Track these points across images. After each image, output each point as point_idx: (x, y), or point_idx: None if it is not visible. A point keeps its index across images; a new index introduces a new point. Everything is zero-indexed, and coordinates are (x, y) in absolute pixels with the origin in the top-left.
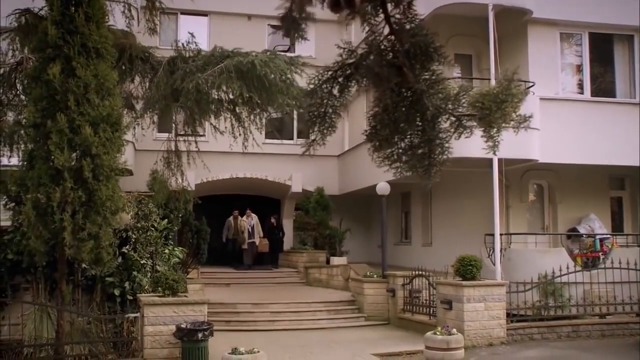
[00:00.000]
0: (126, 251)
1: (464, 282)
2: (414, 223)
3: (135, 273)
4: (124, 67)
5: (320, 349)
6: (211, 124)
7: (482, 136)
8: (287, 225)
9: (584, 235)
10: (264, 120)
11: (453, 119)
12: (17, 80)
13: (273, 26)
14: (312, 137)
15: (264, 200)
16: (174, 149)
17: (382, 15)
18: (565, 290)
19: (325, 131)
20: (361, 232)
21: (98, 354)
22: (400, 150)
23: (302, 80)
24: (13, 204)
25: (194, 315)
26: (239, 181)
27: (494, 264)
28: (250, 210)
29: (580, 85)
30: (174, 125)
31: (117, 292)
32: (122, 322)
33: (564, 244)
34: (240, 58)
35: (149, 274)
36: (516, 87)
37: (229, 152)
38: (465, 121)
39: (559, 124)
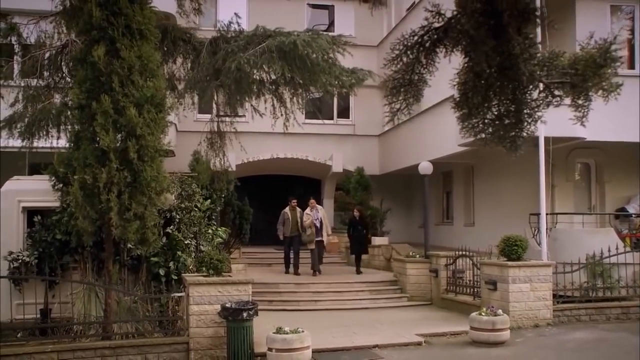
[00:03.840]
0: (170, 231)
1: (509, 263)
2: (456, 203)
3: (179, 253)
4: (166, 49)
5: (363, 328)
6: (252, 105)
7: (569, 105)
8: (328, 205)
9: (633, 215)
10: (304, 100)
11: (542, 86)
12: (62, 63)
13: (312, 5)
14: (397, 106)
15: (305, 181)
16: (216, 130)
17: None
18: (614, 271)
19: (410, 100)
20: (402, 212)
21: (144, 332)
22: (487, 120)
23: (344, 60)
24: (61, 184)
25: (238, 295)
26: (280, 161)
27: (539, 244)
28: (314, 201)
29: (631, 61)
30: (215, 105)
31: (162, 271)
32: (167, 302)
33: (612, 224)
34: (282, 38)
35: (193, 254)
36: (614, 52)
37: (269, 132)
38: (553, 89)
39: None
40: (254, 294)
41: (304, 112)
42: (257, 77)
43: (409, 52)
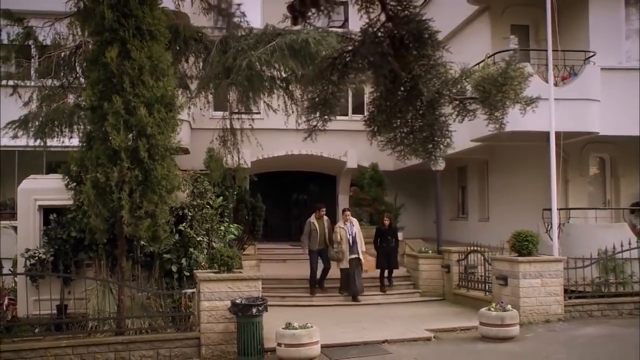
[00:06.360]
0: (183, 228)
1: (520, 258)
2: (471, 198)
3: (191, 250)
4: (178, 48)
5: (374, 324)
6: (264, 102)
7: (485, 119)
8: (342, 200)
9: None
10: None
11: (456, 102)
12: (76, 63)
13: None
14: (314, 123)
15: (319, 177)
16: (229, 127)
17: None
18: (627, 267)
19: (326, 117)
20: (417, 208)
21: (157, 328)
22: (402, 134)
23: None
24: (74, 183)
25: (248, 291)
26: (294, 158)
27: (552, 240)
28: (348, 213)
29: None
30: (228, 103)
31: (174, 268)
32: (180, 298)
33: (626, 218)
34: (292, 36)
35: (205, 251)
36: (516, 70)
37: (283, 129)
38: (468, 104)
39: (623, 94)
40: (269, 290)
41: None
42: (269, 75)
43: (324, 73)
